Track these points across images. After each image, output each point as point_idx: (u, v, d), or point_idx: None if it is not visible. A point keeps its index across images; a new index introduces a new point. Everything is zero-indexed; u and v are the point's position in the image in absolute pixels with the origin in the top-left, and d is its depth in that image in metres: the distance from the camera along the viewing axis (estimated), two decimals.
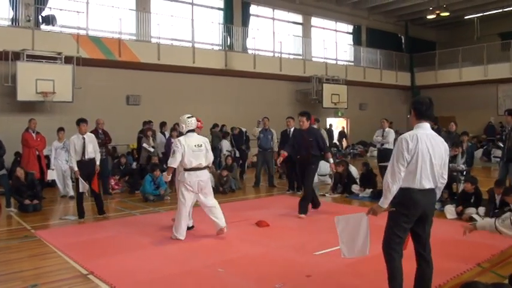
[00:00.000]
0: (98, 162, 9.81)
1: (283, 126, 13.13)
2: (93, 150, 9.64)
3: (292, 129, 12.72)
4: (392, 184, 4.29)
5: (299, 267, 6.02)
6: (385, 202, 4.41)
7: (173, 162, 7.49)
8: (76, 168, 9.37)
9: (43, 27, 16.25)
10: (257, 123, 15.61)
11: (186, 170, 7.57)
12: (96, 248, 7.12)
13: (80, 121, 9.73)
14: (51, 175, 12.30)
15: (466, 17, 28.36)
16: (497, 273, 5.68)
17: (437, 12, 24.46)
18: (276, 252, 6.76)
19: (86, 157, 9.49)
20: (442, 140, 4.53)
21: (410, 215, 4.33)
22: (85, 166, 9.48)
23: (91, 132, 12.31)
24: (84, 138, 9.56)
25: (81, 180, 9.36)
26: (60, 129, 12.40)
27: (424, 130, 4.40)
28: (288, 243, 7.28)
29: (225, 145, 16.04)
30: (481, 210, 8.68)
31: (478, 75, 25.91)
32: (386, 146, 13.20)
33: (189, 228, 7.97)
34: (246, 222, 8.89)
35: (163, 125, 15.02)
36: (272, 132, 14.01)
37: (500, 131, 14.94)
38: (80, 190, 9.43)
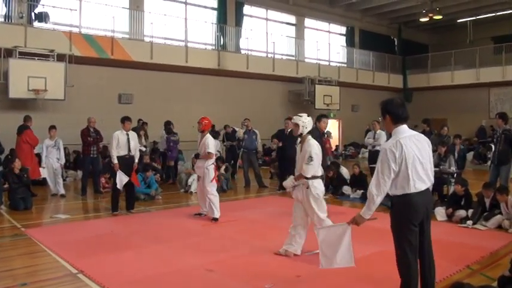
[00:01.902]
0: (136, 160, 10.06)
1: (275, 126, 13.13)
2: (134, 147, 9.88)
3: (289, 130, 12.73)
4: (377, 196, 4.24)
5: (289, 267, 6.04)
6: (367, 213, 4.39)
7: (312, 171, 6.37)
8: (116, 161, 9.54)
9: (36, 24, 16.15)
10: (241, 125, 15.58)
11: (317, 177, 6.50)
12: (86, 247, 7.09)
13: (125, 119, 9.98)
14: (42, 173, 12.24)
15: (459, 21, 28.46)
16: (486, 275, 5.72)
17: (431, 15, 24.51)
18: (265, 253, 6.75)
19: (130, 153, 9.75)
20: (424, 136, 4.49)
21: (414, 218, 4.27)
22: (127, 162, 9.72)
23: (82, 130, 12.35)
24: (128, 135, 9.79)
25: (120, 174, 9.54)
26: (52, 127, 12.33)
27: (404, 133, 4.30)
28: (277, 243, 7.25)
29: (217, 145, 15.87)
30: (471, 212, 8.71)
31: (470, 78, 26.00)
32: (377, 148, 13.26)
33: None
34: (236, 222, 8.92)
35: (168, 124, 15.04)
36: (256, 132, 14.07)
37: (492, 134, 15.04)
38: (118, 185, 9.60)
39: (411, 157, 4.21)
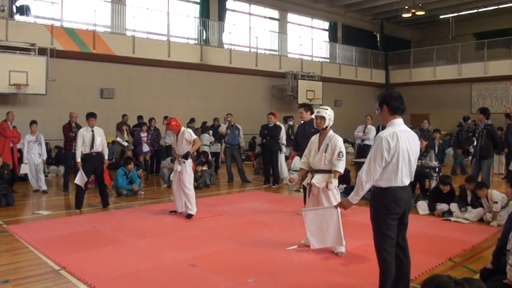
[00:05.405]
0: (106, 156, 10.09)
1: (258, 121, 13.12)
2: (100, 144, 9.79)
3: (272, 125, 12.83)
4: (366, 183, 4.26)
5: (272, 262, 6.03)
6: (355, 198, 4.43)
7: (344, 165, 6.32)
8: (79, 160, 9.54)
9: (17, 17, 15.97)
10: (224, 120, 15.58)
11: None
12: (69, 243, 7.02)
13: (89, 115, 9.91)
14: (23, 169, 12.08)
15: (441, 17, 28.73)
16: (468, 267, 5.78)
17: (413, 11, 24.71)
18: (248, 247, 6.76)
19: (94, 150, 9.65)
20: (416, 134, 4.50)
21: (394, 212, 4.26)
22: (92, 159, 9.69)
23: (64, 125, 12.23)
24: (93, 131, 9.70)
25: (81, 172, 9.51)
26: (33, 122, 12.18)
27: (400, 127, 4.31)
28: (260, 238, 7.28)
29: (206, 139, 15.70)
30: (453, 206, 8.79)
31: (452, 74, 26.23)
32: (366, 142, 13.37)
33: None
34: (219, 217, 8.90)
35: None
36: (238, 128, 14.07)
37: (474, 129, 15.18)
38: (76, 181, 9.59)
39: (403, 151, 4.22)
